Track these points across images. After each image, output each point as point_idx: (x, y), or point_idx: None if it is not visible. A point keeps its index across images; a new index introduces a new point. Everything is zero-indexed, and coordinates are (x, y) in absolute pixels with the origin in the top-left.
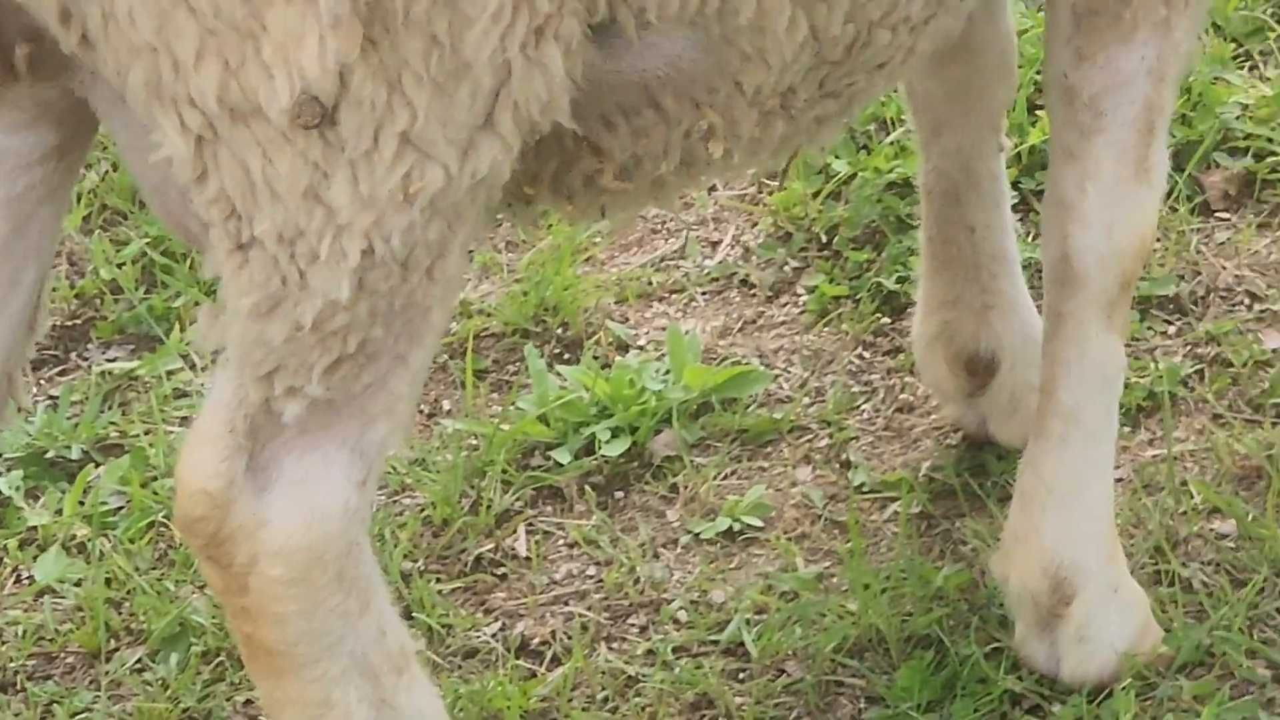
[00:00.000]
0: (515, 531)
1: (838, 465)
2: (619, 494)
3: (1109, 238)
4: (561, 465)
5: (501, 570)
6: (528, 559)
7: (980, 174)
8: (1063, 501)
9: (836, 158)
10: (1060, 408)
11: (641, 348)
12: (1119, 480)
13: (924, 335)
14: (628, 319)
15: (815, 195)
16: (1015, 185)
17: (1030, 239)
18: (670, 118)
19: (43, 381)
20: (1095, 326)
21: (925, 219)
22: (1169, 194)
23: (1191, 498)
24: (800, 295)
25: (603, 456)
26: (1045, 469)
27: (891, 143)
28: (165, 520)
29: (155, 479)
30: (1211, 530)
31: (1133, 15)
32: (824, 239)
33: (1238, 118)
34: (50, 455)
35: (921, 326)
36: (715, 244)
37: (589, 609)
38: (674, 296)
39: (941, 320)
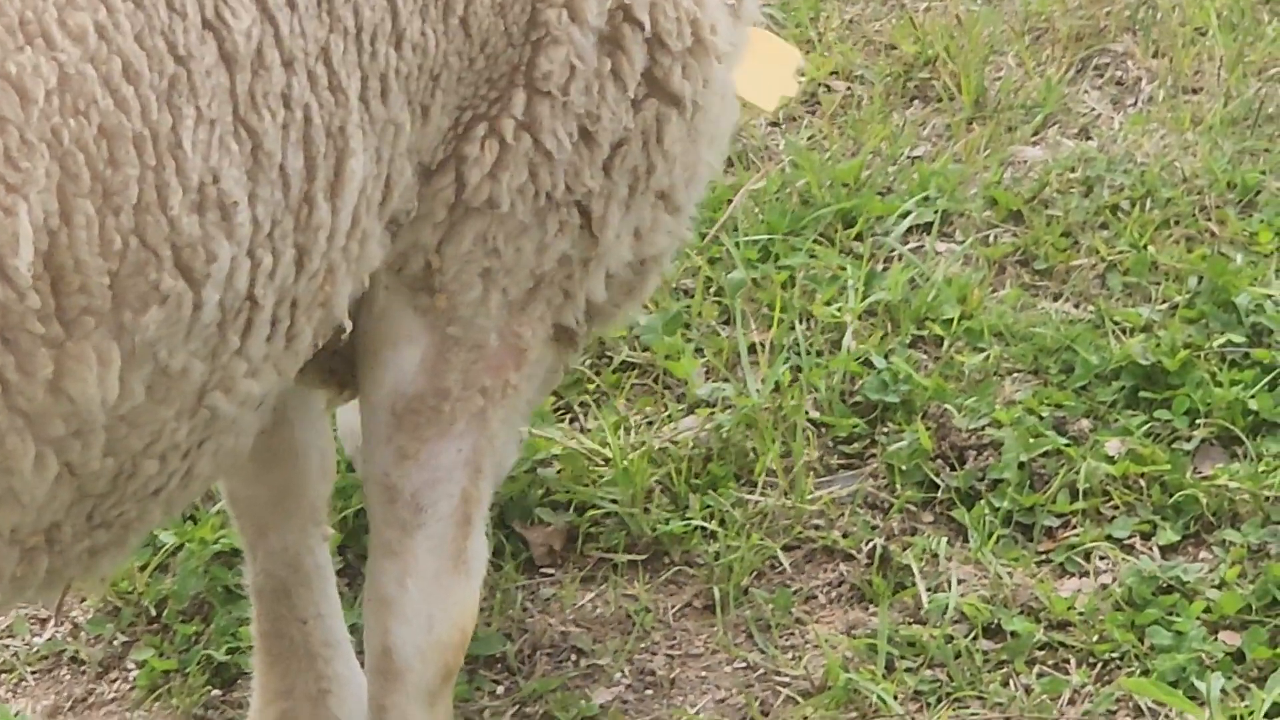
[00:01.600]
0: None
1: None
2: None
3: (429, 631)
4: None
5: None
6: None
7: (308, 568)
8: None
9: (163, 529)
10: None
11: None
12: None
13: None
14: None
15: (143, 568)
16: (341, 549)
17: (358, 604)
18: None
19: None
20: (417, 717)
21: (257, 616)
22: (495, 552)
23: None
24: (130, 670)
25: None
26: None
27: (218, 512)
28: None
29: None
30: None
31: (451, 409)
32: (153, 612)
33: (559, 472)
34: None
35: (259, 716)
36: (44, 621)
37: None
38: (3, 676)
39: (280, 710)
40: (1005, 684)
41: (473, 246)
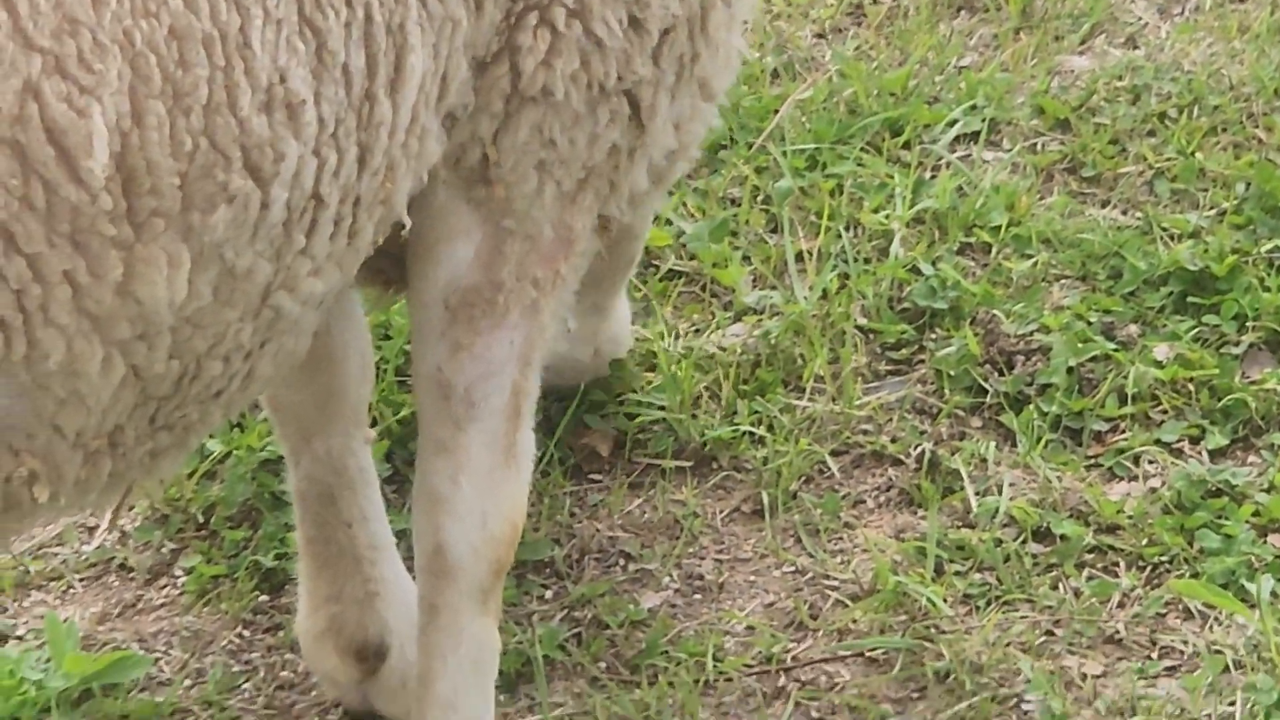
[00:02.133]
0: None
1: None
2: None
3: (483, 528)
4: None
5: None
6: None
7: (351, 471)
8: None
9: (211, 437)
10: (438, 698)
11: (21, 637)
12: None
13: (312, 630)
14: (6, 609)
15: (190, 475)
16: (388, 457)
17: (406, 510)
18: None
19: None
20: (469, 615)
21: (302, 522)
22: (541, 458)
23: None
24: (178, 576)
25: None
26: None
27: (264, 420)
28: None
29: None
30: None
31: (505, 300)
32: (200, 519)
33: (609, 379)
34: None
35: (308, 622)
36: (92, 529)
37: None
38: (52, 584)
39: (328, 615)
40: (1054, 587)
41: (529, 137)
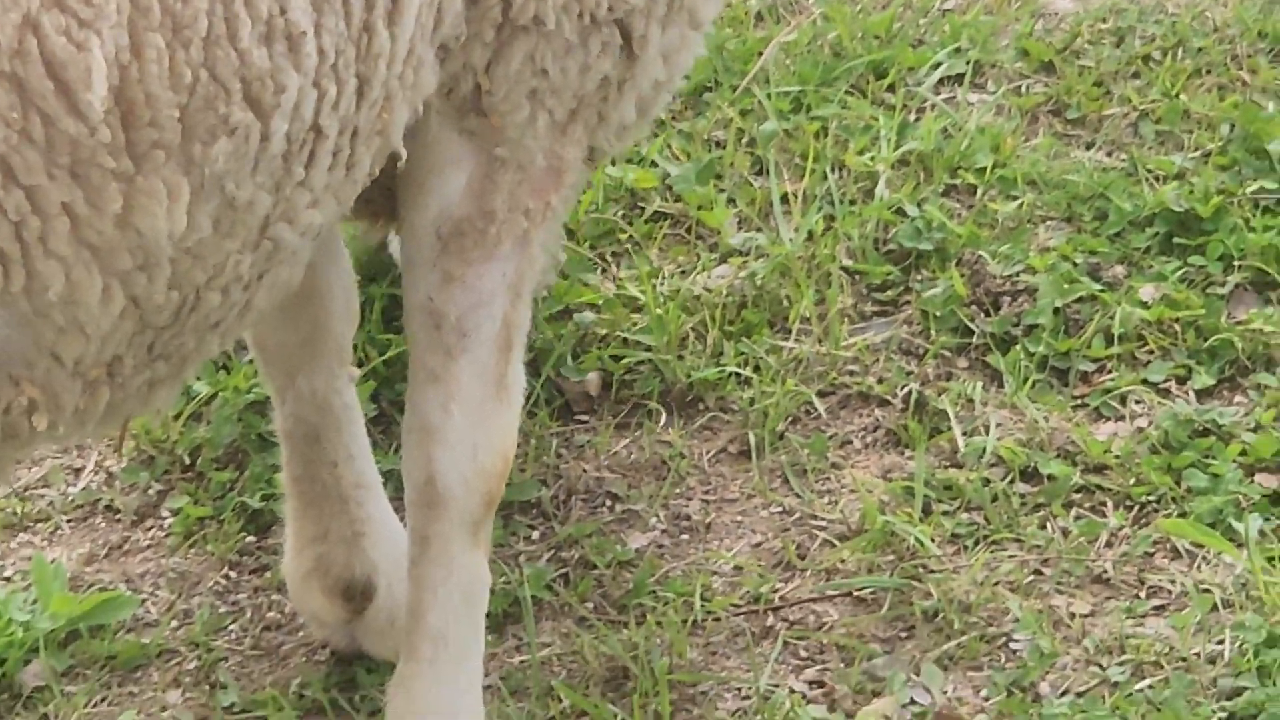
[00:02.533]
0: None
1: (207, 687)
2: None
3: (474, 459)
4: None
5: None
6: None
7: (336, 409)
8: None
9: (197, 379)
10: (429, 630)
11: (8, 579)
12: (487, 688)
13: (298, 570)
14: None
15: (177, 417)
16: (374, 398)
17: (392, 451)
18: None
19: None
20: (460, 547)
21: (288, 461)
22: (528, 399)
23: (559, 701)
24: (165, 518)
25: None
26: (417, 691)
27: (250, 361)
28: None
29: None
30: None
31: (497, 231)
32: (187, 460)
33: (598, 319)
34: None
35: (295, 562)
36: (78, 471)
37: None
38: (39, 525)
39: (315, 555)
40: (1042, 526)
41: (521, 66)
